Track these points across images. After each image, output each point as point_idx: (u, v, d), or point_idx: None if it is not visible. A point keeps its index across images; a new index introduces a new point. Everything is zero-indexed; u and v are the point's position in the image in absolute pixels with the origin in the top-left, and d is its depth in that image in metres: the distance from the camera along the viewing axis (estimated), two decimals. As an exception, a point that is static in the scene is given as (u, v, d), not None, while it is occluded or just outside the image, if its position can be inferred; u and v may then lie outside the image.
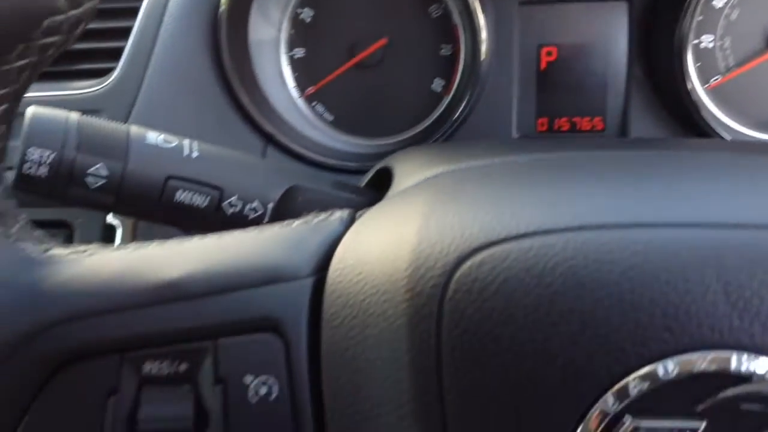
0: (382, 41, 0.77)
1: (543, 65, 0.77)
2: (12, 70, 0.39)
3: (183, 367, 0.37)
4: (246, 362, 0.37)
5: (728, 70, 0.73)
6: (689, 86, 0.72)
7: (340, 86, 0.79)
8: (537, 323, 0.32)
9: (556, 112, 0.77)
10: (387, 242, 0.37)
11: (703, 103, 0.73)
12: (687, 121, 0.73)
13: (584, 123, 0.77)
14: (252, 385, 0.37)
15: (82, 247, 0.41)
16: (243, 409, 0.37)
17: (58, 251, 0.40)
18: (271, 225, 0.42)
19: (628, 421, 0.32)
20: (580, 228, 0.34)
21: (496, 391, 0.33)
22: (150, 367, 0.37)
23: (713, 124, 0.72)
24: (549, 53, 0.77)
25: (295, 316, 0.38)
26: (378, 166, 0.55)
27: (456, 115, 0.75)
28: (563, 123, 0.77)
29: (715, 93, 0.74)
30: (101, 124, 0.50)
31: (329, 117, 0.80)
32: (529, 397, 0.32)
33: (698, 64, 0.73)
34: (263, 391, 0.37)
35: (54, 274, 0.39)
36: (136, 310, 0.38)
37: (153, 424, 0.37)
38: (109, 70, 0.74)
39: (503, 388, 0.33)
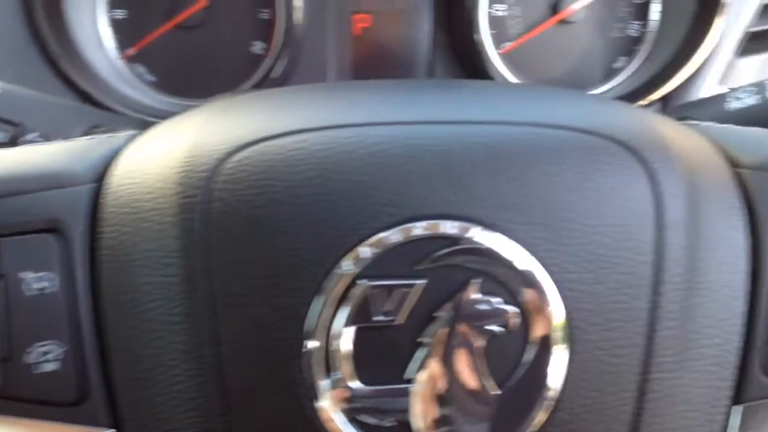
0: (202, 3, 0.80)
1: (357, 31, 0.82)
2: None
3: None
4: (26, 260, 0.39)
5: (518, 36, 0.82)
6: (485, 52, 0.79)
7: (162, 47, 0.81)
8: (291, 205, 0.37)
9: (370, 75, 0.83)
10: (162, 147, 0.41)
11: (496, 68, 0.81)
12: (485, 83, 0.81)
13: (396, 85, 0.83)
14: (30, 279, 0.39)
15: None
16: (21, 302, 0.39)
17: None
18: (60, 141, 0.44)
19: (362, 283, 0.37)
20: (326, 128, 0.39)
21: (255, 264, 0.37)
22: None
23: (507, 86, 0.80)
24: (362, 19, 0.82)
25: (74, 218, 0.40)
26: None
27: (278, 75, 0.79)
28: (378, 85, 0.83)
29: (507, 57, 0.82)
30: None
31: (151, 78, 0.82)
32: (283, 266, 0.37)
33: (493, 32, 0.81)
34: (41, 285, 0.39)
35: None
36: None
37: None
38: None
39: (262, 262, 0.37)
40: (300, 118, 0.40)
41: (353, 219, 0.37)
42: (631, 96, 0.79)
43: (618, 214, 0.38)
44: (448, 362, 0.37)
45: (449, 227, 0.37)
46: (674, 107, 0.71)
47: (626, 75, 0.82)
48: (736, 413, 0.40)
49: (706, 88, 0.77)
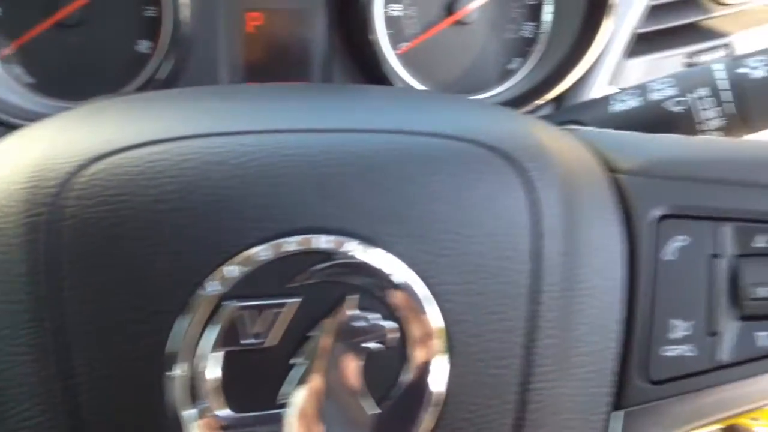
0: (82, 0, 0.75)
1: (249, 29, 0.79)
2: None
3: None
4: None
5: (414, 36, 0.81)
6: (382, 53, 0.78)
7: (41, 47, 0.76)
8: (150, 222, 0.34)
9: (264, 77, 0.80)
10: (8, 160, 0.37)
11: (393, 69, 0.80)
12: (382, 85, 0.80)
13: (293, 86, 0.81)
14: None
15: None
16: None
17: None
18: None
19: (228, 305, 0.34)
20: (190, 137, 0.36)
21: (112, 288, 0.34)
22: None
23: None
24: (254, 18, 0.79)
25: None
26: None
27: (164, 76, 0.75)
28: (272, 86, 0.81)
29: (404, 58, 0.81)
30: None
31: (29, 80, 0.77)
32: (143, 289, 0.34)
33: (389, 32, 0.80)
34: None
35: None
36: None
37: None
38: None
39: (119, 285, 0.34)
40: (163, 126, 0.38)
41: (218, 235, 0.35)
42: (526, 97, 0.80)
43: (495, 223, 0.37)
44: (324, 383, 0.36)
45: (323, 242, 0.35)
46: (561, 110, 0.72)
47: (521, 76, 0.83)
48: (617, 419, 0.40)
49: (597, 89, 0.78)
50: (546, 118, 0.65)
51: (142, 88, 0.77)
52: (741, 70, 0.53)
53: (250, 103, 0.41)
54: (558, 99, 0.79)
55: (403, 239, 0.36)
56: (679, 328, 0.40)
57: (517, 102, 0.80)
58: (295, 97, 0.43)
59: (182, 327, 0.34)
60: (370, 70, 0.79)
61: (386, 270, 0.36)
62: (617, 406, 0.40)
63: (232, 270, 0.34)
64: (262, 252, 0.35)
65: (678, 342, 0.40)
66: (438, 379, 0.37)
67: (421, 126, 0.39)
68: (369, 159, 0.36)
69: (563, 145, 0.42)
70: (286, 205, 0.35)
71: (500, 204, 0.38)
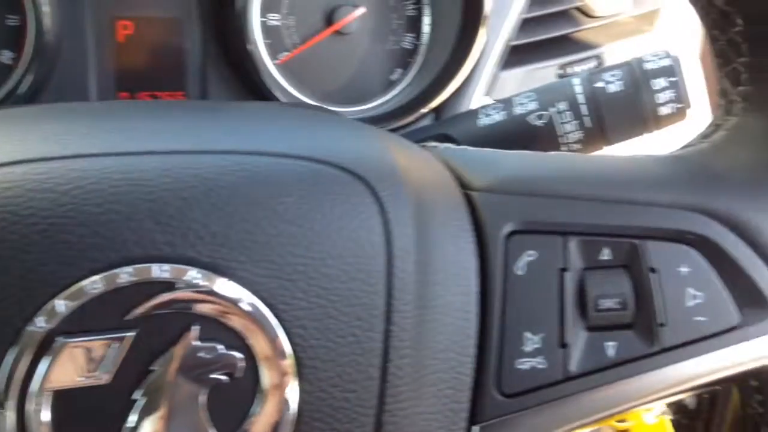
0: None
1: (120, 38, 0.76)
2: None
3: None
4: None
5: (294, 46, 0.80)
6: (259, 62, 0.77)
7: None
8: None
9: (137, 87, 0.77)
10: None
11: (274, 79, 0.78)
12: (261, 96, 0.78)
13: (165, 98, 0.79)
14: None
15: None
16: None
17: None
18: None
19: (59, 341, 0.33)
20: (14, 163, 0.34)
21: None
22: None
23: (284, 98, 0.78)
24: (125, 27, 0.76)
25: None
26: None
27: (25, 90, 0.71)
28: (145, 98, 0.78)
29: (284, 68, 0.80)
30: None
31: None
32: None
33: (268, 41, 0.79)
34: None
35: None
36: None
37: None
38: None
39: None
40: None
41: (47, 268, 0.32)
42: (408, 107, 0.80)
43: (348, 245, 0.37)
44: (167, 418, 0.34)
45: (161, 271, 0.34)
46: (433, 123, 0.73)
47: (402, 87, 0.83)
48: (474, 434, 0.41)
49: (475, 100, 0.79)
50: (418, 131, 0.66)
51: (4, 100, 0.73)
52: (598, 85, 0.55)
53: (87, 124, 0.39)
54: (437, 110, 0.80)
55: (248, 265, 0.35)
56: (531, 341, 0.40)
57: (398, 113, 0.80)
58: (140, 117, 0.41)
59: (7, 366, 0.32)
60: (248, 80, 0.78)
61: (231, 297, 0.35)
62: (474, 420, 0.40)
63: (61, 304, 0.32)
64: (94, 284, 0.33)
65: (530, 355, 0.40)
66: (290, 408, 0.36)
67: (271, 146, 0.38)
68: (212, 181, 0.35)
69: (417, 163, 0.42)
70: (118, 234, 0.33)
71: (352, 225, 0.37)
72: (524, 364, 0.40)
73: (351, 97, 0.83)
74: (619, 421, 0.59)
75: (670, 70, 0.54)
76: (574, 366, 0.40)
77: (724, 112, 0.42)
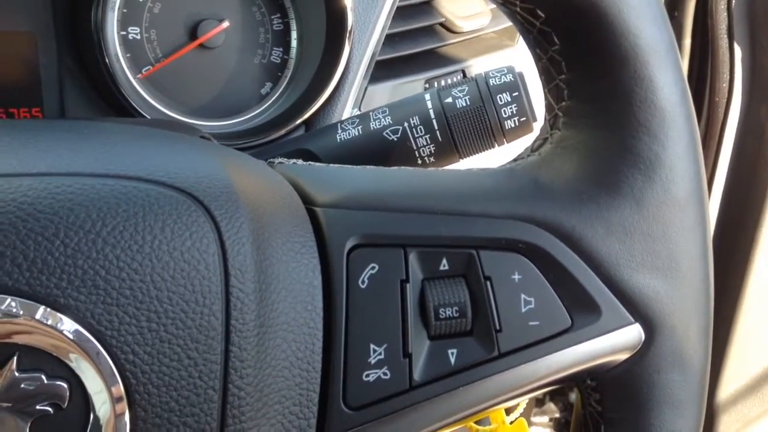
0: None
1: (-33, 53, 0.72)
2: None
3: None
4: None
5: (157, 60, 0.78)
6: (119, 77, 0.75)
7: None
8: None
9: (-10, 104, 0.74)
10: None
11: (138, 93, 0.76)
12: (123, 111, 0.76)
13: (22, 114, 0.75)
14: None
15: None
16: None
17: None
18: None
19: None
20: None
21: None
22: None
23: (149, 113, 0.76)
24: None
25: None
26: None
27: None
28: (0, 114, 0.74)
29: (148, 82, 0.78)
30: None
31: None
32: None
33: (128, 55, 0.77)
34: None
35: None
36: None
37: None
38: None
39: None
40: None
41: None
42: (278, 121, 0.80)
43: (180, 266, 0.36)
44: (-14, 456, 0.33)
45: None
46: (293, 138, 0.73)
47: (272, 100, 0.83)
48: (323, 450, 0.41)
49: (346, 113, 0.80)
50: (278, 146, 0.66)
51: None
52: (447, 100, 0.57)
53: None
54: (308, 122, 0.80)
55: (69, 291, 0.34)
56: (376, 352, 0.41)
57: (270, 126, 0.80)
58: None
59: None
60: (108, 95, 0.76)
61: (53, 326, 0.33)
62: None
63: None
64: None
65: (376, 366, 0.41)
66: (122, 436, 0.35)
67: (95, 167, 0.37)
68: (28, 206, 0.34)
69: (258, 180, 0.42)
70: None
71: (185, 246, 0.37)
72: (370, 376, 0.41)
73: (221, 111, 0.82)
74: (477, 422, 0.60)
75: (514, 86, 0.56)
76: (418, 375, 0.41)
77: (549, 127, 0.44)
